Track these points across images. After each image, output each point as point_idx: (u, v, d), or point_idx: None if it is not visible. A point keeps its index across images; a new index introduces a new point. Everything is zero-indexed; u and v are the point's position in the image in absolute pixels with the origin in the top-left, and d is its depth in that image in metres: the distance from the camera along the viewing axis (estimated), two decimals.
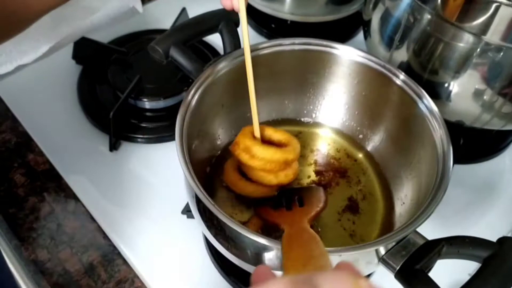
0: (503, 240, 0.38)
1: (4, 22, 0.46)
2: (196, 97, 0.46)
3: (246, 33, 0.44)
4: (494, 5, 0.45)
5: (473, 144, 0.64)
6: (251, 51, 0.48)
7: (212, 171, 0.53)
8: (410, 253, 0.39)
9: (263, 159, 0.45)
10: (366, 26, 0.63)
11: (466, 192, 0.62)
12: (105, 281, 0.52)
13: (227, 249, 0.43)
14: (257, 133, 0.47)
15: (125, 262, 0.54)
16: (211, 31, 0.54)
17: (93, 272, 0.53)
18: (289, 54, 0.51)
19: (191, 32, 0.53)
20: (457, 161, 0.62)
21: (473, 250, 0.39)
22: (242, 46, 0.47)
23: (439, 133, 0.45)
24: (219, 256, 0.52)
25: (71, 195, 0.58)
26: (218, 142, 0.54)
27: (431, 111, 0.46)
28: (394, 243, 0.39)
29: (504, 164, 0.66)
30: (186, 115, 0.44)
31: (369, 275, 0.50)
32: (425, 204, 0.40)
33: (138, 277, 0.53)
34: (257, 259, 0.41)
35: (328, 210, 0.50)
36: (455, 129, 0.59)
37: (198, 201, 0.42)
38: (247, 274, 0.50)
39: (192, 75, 0.50)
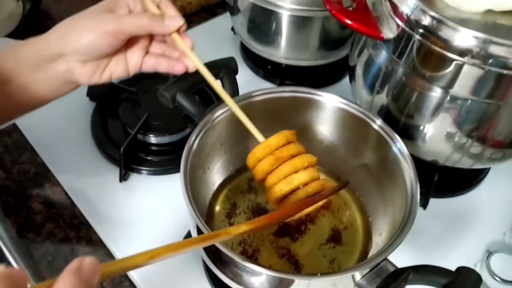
0: (461, 269, 0.44)
1: (9, 111, 0.53)
2: (198, 139, 0.52)
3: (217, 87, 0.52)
4: (458, 63, 0.51)
5: (448, 180, 0.70)
6: (246, 98, 0.55)
7: (212, 199, 0.60)
8: (382, 279, 0.45)
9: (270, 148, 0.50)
10: (351, 71, 0.70)
11: (441, 223, 0.68)
12: None
13: (224, 273, 0.49)
14: (261, 138, 0.52)
15: (131, 284, 0.59)
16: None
17: None
18: (279, 100, 0.58)
19: (195, 79, 0.59)
20: (433, 195, 0.69)
21: (435, 277, 0.44)
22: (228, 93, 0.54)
23: (408, 173, 0.51)
24: (217, 280, 0.58)
25: (84, 222, 0.65)
26: (217, 176, 0.61)
27: (402, 154, 0.53)
28: (368, 270, 0.45)
29: (479, 198, 0.72)
30: (189, 156, 0.51)
31: None
32: (394, 237, 0.46)
33: None
34: (251, 283, 0.47)
35: (313, 239, 0.57)
36: (430, 167, 0.66)
37: (199, 232, 0.48)
38: None
39: (195, 117, 0.57)
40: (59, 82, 0.52)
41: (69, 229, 0.64)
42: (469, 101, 0.55)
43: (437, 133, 0.60)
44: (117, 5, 0.51)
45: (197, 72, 0.62)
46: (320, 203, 0.51)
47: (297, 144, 0.52)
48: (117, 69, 0.53)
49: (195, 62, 0.52)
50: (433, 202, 0.69)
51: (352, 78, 0.70)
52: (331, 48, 0.79)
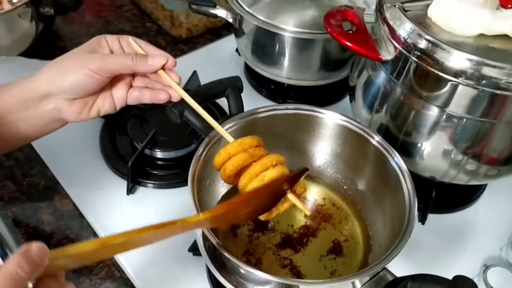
0: (457, 278, 0.46)
1: None
2: (205, 152, 0.55)
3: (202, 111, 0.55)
4: (453, 84, 0.54)
5: (446, 197, 0.72)
6: (251, 115, 0.59)
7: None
8: (381, 287, 0.47)
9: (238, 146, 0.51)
10: (351, 91, 0.73)
11: (439, 238, 0.69)
12: None
13: (229, 281, 0.51)
14: (230, 139, 0.54)
15: None
16: (219, 95, 0.64)
17: None
18: (283, 117, 0.61)
19: (202, 96, 0.62)
20: (431, 211, 0.71)
21: (432, 285, 0.46)
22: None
23: (406, 187, 0.54)
24: (220, 287, 0.60)
25: (91, 233, 0.66)
26: (223, 188, 0.63)
27: (400, 168, 0.55)
28: (368, 278, 0.47)
29: (476, 215, 0.74)
30: (197, 166, 0.53)
31: None
32: (393, 246, 0.48)
33: None
34: None
35: (314, 251, 0.59)
36: (428, 183, 0.68)
37: (205, 237, 0.50)
38: None
39: (202, 132, 0.59)
40: (47, 120, 0.55)
41: (77, 240, 0.66)
42: (464, 120, 0.57)
43: (434, 150, 0.62)
44: (100, 46, 0.55)
45: (204, 90, 0.65)
46: (290, 200, 0.52)
47: (264, 149, 0.54)
48: (104, 105, 0.56)
49: (181, 94, 0.55)
50: (431, 217, 0.71)
51: (352, 98, 0.73)
52: (332, 69, 0.83)
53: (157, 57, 0.54)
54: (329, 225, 0.61)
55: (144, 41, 0.57)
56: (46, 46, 0.97)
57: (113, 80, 0.55)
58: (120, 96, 0.57)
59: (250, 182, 0.51)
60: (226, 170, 0.52)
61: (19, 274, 0.33)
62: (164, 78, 0.55)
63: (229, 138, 0.54)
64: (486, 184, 0.76)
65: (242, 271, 0.48)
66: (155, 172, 0.73)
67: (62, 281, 0.38)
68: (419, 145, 0.63)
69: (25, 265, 0.33)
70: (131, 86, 0.57)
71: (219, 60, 0.96)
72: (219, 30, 1.04)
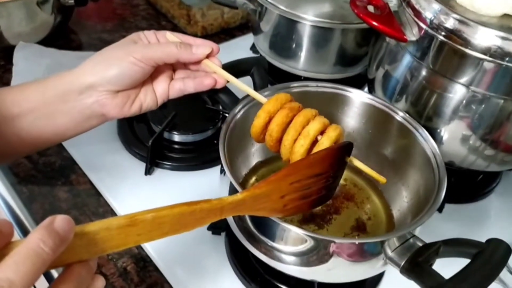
0: (490, 240, 0.46)
1: (28, 143, 0.53)
2: (237, 117, 0.56)
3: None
4: (478, 60, 0.55)
5: (462, 187, 0.72)
6: (284, 88, 0.61)
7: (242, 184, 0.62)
8: (411, 252, 0.47)
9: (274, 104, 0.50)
10: (370, 83, 0.74)
11: (456, 227, 0.69)
12: (138, 284, 0.58)
13: (258, 249, 0.50)
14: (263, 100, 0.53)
15: (156, 269, 0.60)
16: (244, 73, 0.65)
17: (127, 276, 0.59)
18: (314, 94, 0.62)
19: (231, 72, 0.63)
20: (448, 200, 0.71)
21: (465, 248, 0.46)
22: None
23: (433, 156, 0.54)
24: (240, 265, 0.59)
25: (109, 211, 0.65)
26: (253, 157, 0.64)
27: (427, 140, 0.56)
28: (398, 244, 0.47)
29: (492, 205, 0.74)
30: (227, 131, 0.54)
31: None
32: (423, 212, 0.48)
33: (168, 283, 0.59)
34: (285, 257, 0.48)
35: (338, 227, 0.58)
36: (447, 169, 0.68)
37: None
38: (268, 283, 0.57)
39: (228, 107, 0.60)
40: (86, 115, 0.53)
41: (94, 216, 0.65)
42: (487, 99, 0.58)
43: (453, 136, 0.63)
44: (139, 38, 0.55)
45: (229, 68, 0.66)
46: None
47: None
48: (146, 99, 0.55)
49: (227, 78, 0.55)
50: (448, 207, 0.71)
51: (371, 90, 0.74)
52: (347, 65, 0.84)
53: (202, 46, 0.54)
54: (351, 203, 0.61)
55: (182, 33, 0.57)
56: (63, 38, 0.98)
57: (154, 73, 0.55)
58: (162, 89, 0.56)
59: (297, 137, 0.48)
60: (273, 133, 0.49)
61: (42, 249, 0.30)
62: (208, 66, 0.55)
63: (263, 100, 0.53)
64: (501, 177, 0.77)
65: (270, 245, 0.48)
66: (172, 154, 0.73)
67: (92, 270, 0.34)
68: (438, 130, 0.63)
69: (49, 239, 0.30)
70: (172, 79, 0.57)
71: (234, 57, 0.97)
72: (233, 30, 1.06)
